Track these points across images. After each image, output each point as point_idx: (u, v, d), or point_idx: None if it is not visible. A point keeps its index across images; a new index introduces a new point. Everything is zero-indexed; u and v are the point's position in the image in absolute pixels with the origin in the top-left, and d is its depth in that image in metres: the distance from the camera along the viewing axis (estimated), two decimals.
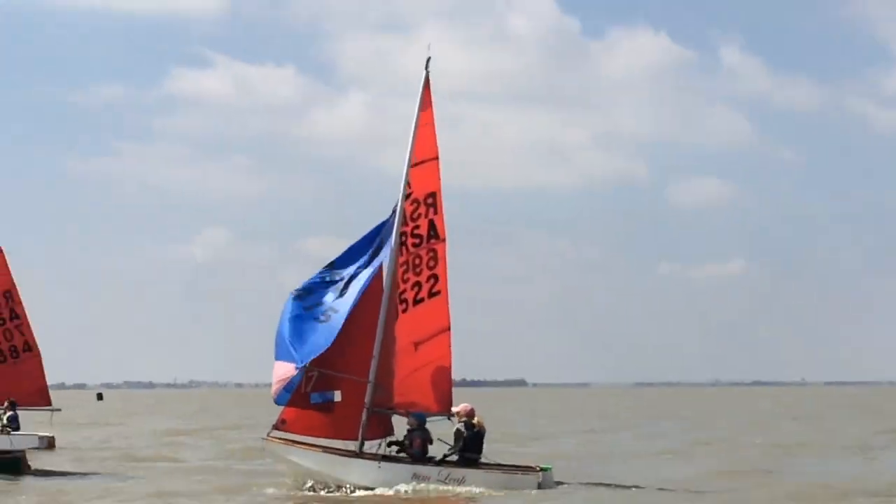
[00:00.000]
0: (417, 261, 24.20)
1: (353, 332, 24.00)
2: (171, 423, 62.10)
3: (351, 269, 24.36)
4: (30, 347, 41.16)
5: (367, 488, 23.44)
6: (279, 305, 24.60)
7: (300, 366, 23.74)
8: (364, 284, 24.07)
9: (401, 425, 24.36)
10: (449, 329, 24.33)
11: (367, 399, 24.13)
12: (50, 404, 40.74)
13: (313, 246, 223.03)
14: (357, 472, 23.54)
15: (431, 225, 24.23)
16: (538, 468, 23.91)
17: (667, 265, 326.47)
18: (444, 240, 24.29)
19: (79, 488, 25.40)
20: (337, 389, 24.21)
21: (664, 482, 25.64)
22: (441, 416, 24.36)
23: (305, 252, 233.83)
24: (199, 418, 69.36)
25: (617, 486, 24.93)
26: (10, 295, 41.39)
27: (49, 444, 38.26)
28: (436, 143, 24.33)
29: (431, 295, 24.18)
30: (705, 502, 23.39)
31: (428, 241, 24.26)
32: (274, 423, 24.39)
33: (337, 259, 24.62)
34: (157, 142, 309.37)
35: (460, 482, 23.23)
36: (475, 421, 23.94)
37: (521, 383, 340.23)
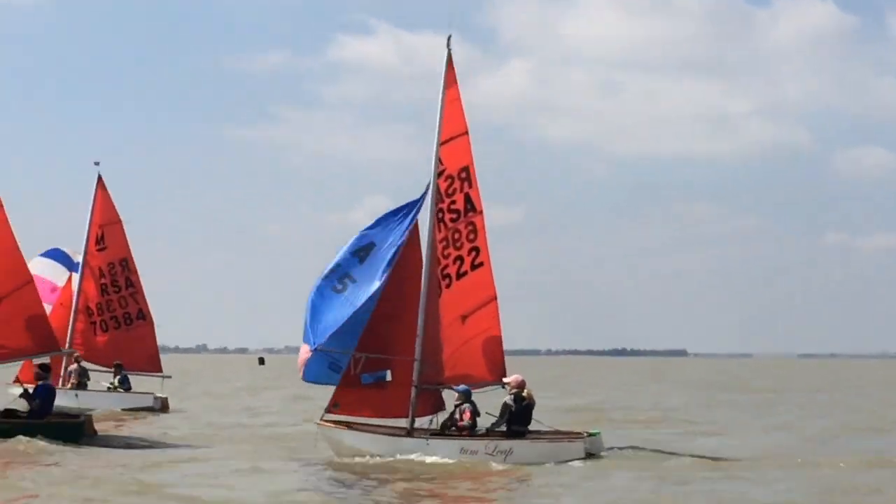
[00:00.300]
0: (457, 235, 24.24)
1: (395, 312, 24.13)
2: (312, 388, 62.16)
3: (374, 238, 24.26)
4: (143, 315, 42.49)
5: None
6: None
7: (313, 347, 23.92)
8: (388, 262, 23.99)
9: (452, 400, 24.39)
10: (495, 298, 24.36)
11: (414, 377, 24.27)
12: (160, 371, 41.95)
13: None
14: (406, 450, 23.65)
15: (467, 199, 24.25)
16: (585, 434, 23.85)
17: (833, 235, 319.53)
18: (481, 212, 24.31)
19: (115, 460, 23.87)
20: (387, 369, 24.41)
21: (729, 452, 25.23)
22: (495, 385, 24.46)
23: None
24: None
25: (670, 453, 24.74)
26: (127, 264, 42.81)
27: (163, 405, 39.49)
28: (464, 118, 24.30)
29: (474, 267, 24.21)
30: (761, 477, 22.83)
31: (465, 214, 24.29)
32: (326, 406, 24.62)
33: (366, 228, 24.51)
34: (320, 109, 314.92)
35: (508, 454, 23.26)
36: (525, 393, 23.90)
37: (681, 353, 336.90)
